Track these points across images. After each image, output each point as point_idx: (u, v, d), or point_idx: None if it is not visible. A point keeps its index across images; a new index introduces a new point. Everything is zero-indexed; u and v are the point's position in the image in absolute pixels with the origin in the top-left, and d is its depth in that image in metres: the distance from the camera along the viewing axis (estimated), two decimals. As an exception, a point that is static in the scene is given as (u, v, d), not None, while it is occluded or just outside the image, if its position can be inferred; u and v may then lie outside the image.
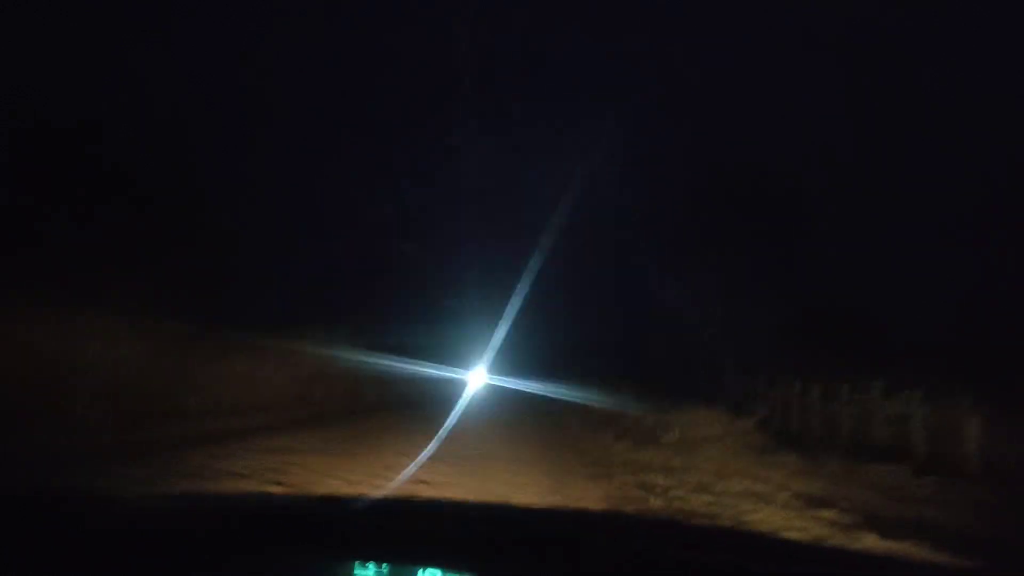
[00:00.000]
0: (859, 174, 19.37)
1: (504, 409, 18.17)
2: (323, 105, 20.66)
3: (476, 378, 21.67)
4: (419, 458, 7.82)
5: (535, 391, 21.02)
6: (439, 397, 17.96)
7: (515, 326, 18.86)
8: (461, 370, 21.91)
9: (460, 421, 12.86)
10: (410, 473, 6.55)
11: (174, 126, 14.65)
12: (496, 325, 18.37)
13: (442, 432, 10.92)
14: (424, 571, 1.52)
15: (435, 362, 20.51)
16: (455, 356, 22.79)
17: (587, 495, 6.58)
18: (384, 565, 1.53)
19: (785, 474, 8.48)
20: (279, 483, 5.70)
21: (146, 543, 1.42)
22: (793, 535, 5.08)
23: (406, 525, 1.70)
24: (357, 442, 9.33)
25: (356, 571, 1.53)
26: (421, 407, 16.07)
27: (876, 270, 18.28)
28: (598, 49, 26.18)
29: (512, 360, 23.92)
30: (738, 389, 16.21)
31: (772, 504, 6.51)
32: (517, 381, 22.08)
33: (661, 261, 21.84)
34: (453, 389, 19.54)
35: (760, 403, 14.32)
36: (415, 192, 23.13)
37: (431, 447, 9.32)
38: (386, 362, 17.81)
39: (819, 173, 20.02)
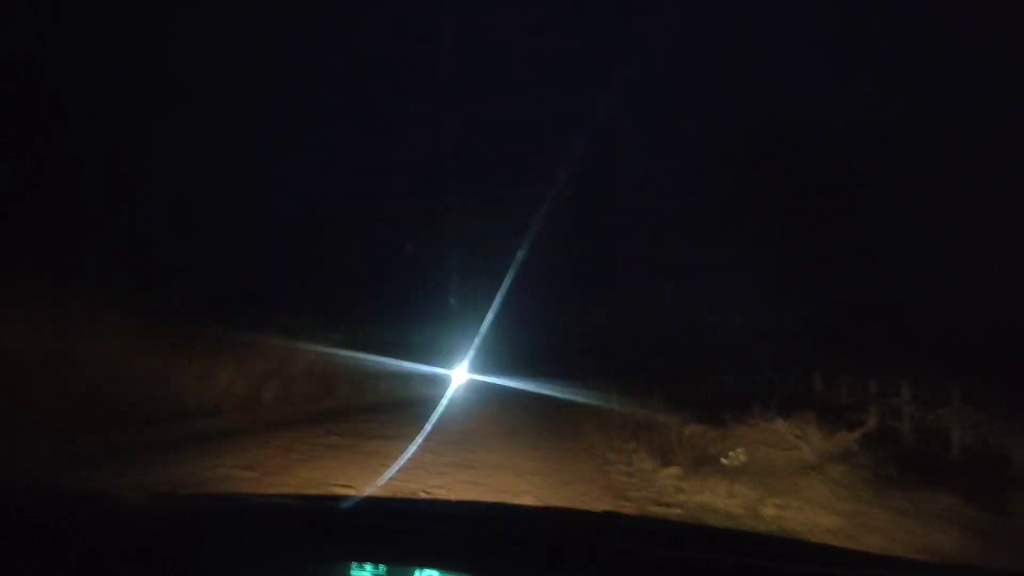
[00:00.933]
0: (925, 162, 18.10)
1: (504, 417, 14.20)
2: (305, 96, 20.70)
3: (468, 377, 17.90)
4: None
5: (546, 392, 17.25)
6: (421, 400, 14.35)
7: (525, 318, 15.64)
8: (454, 368, 18.14)
9: (439, 434, 9.30)
10: None
11: (151, 112, 13.99)
12: (500, 316, 14.89)
13: (405, 455, 7.39)
14: (421, 572, 1.47)
15: (426, 361, 17.16)
16: (452, 352, 19.31)
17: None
18: (381, 566, 1.48)
19: (986, 544, 4.80)
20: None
21: (142, 543, 1.38)
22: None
23: (403, 526, 1.65)
24: (274, 472, 5.77)
25: (352, 572, 1.46)
26: (394, 413, 12.53)
27: (958, 257, 16.44)
28: (618, 24, 23.77)
29: (517, 357, 20.63)
30: (818, 392, 12.72)
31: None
32: (525, 381, 18.35)
33: (705, 245, 18.93)
34: (439, 390, 15.91)
35: (854, 411, 10.64)
36: (407, 182, 20.71)
37: (382, 481, 5.86)
38: (363, 359, 14.65)
39: (886, 153, 19.15)
